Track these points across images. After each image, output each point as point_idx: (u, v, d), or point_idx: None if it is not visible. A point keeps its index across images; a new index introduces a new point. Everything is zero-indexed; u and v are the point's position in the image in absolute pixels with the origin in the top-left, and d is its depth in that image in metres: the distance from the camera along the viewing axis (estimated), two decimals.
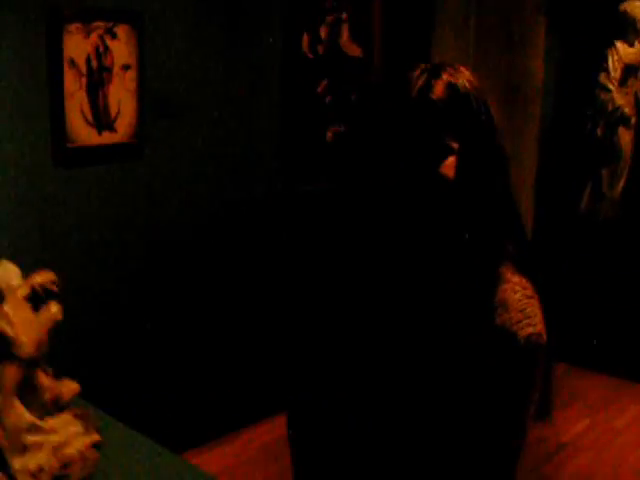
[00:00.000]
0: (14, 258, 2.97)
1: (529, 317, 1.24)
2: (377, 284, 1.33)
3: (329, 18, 4.16)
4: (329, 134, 4.28)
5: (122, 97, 3.31)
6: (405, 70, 1.29)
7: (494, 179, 1.29)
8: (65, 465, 1.08)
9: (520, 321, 1.23)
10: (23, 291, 1.19)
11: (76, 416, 1.20)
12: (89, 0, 3.14)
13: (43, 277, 1.23)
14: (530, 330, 1.23)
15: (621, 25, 5.74)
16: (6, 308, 1.04)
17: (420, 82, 1.24)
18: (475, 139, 1.25)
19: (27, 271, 3.04)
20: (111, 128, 3.31)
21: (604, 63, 5.78)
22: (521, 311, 1.24)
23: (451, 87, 1.25)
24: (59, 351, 1.28)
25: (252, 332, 3.89)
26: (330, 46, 4.20)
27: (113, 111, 3.30)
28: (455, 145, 1.23)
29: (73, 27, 3.08)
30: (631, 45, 5.80)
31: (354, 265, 1.37)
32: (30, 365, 1.10)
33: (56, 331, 1.35)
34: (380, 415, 1.32)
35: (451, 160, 1.22)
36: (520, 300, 1.25)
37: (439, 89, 1.24)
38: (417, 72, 1.27)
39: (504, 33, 5.17)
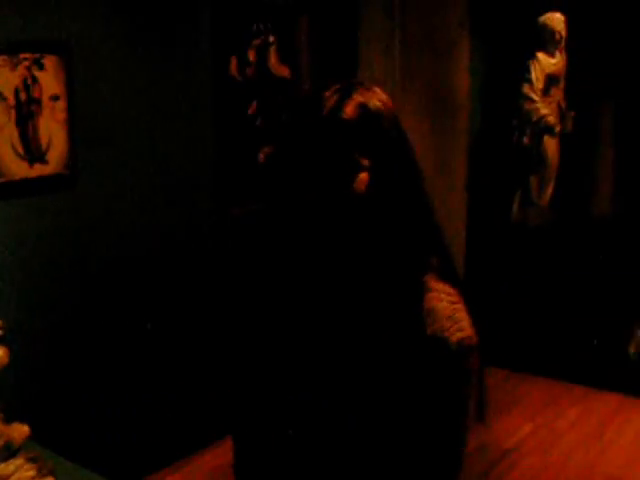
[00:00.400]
0: None
1: (457, 322, 1.28)
2: (301, 299, 1.37)
3: (256, 41, 4.19)
4: (261, 155, 4.30)
5: (52, 128, 3.28)
6: (320, 90, 1.33)
7: (408, 193, 1.33)
8: None
9: (450, 327, 1.27)
10: None
11: (29, 460, 1.19)
12: (15, 32, 3.10)
13: None
14: (460, 335, 1.27)
15: (541, 37, 5.89)
16: None
17: (331, 102, 1.29)
18: (386, 156, 1.30)
19: None
20: (42, 160, 3.27)
21: (527, 74, 5.93)
22: (449, 318, 1.28)
23: (361, 107, 1.29)
24: (6, 394, 1.27)
25: (196, 358, 3.87)
26: (259, 68, 4.22)
27: (44, 142, 3.27)
28: (365, 162, 1.28)
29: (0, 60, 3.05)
30: (552, 56, 5.96)
31: (280, 281, 1.41)
32: None
33: (2, 375, 1.34)
34: (308, 431, 1.35)
35: (363, 176, 1.27)
36: (447, 307, 1.29)
37: (349, 109, 1.28)
38: (330, 92, 1.31)
39: (429, 48, 5.27)
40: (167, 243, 3.74)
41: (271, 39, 4.27)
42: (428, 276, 1.31)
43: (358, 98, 1.30)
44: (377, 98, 1.33)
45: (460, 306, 1.31)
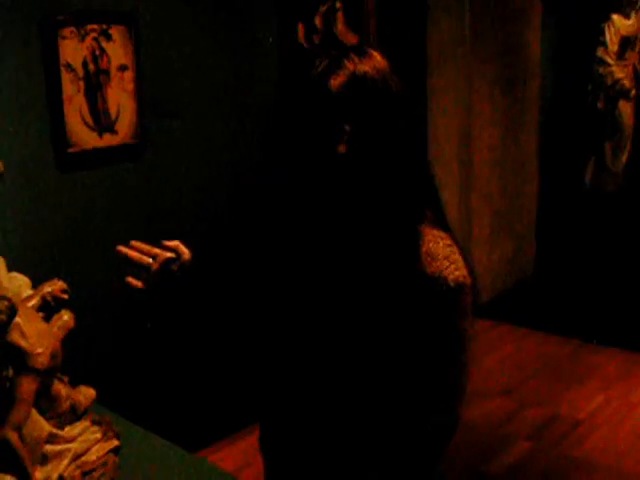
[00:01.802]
0: (19, 265, 3.00)
1: (454, 262, 1.36)
2: (303, 257, 1.45)
3: (323, 7, 4.14)
4: None
5: (121, 98, 3.31)
6: (314, 56, 1.35)
7: (397, 152, 1.35)
8: (86, 473, 1.08)
9: (448, 267, 1.35)
10: (34, 302, 1.19)
11: (94, 423, 1.20)
12: (82, 3, 3.12)
13: (53, 286, 1.23)
14: (457, 273, 1.35)
15: None
16: (18, 320, 1.04)
17: (319, 69, 1.31)
18: (373, 119, 1.32)
19: (33, 278, 3.05)
20: (112, 130, 3.30)
21: (601, 37, 5.77)
22: (446, 258, 1.36)
23: (350, 76, 1.31)
24: (73, 358, 1.29)
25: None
26: (326, 35, 4.18)
27: (113, 113, 3.30)
28: (348, 127, 1.30)
29: (67, 31, 3.07)
30: (627, 17, 5.78)
31: (284, 243, 1.50)
32: (46, 375, 1.10)
33: (69, 338, 1.36)
34: (310, 376, 1.43)
35: (345, 140, 1.30)
36: (443, 249, 1.37)
37: (336, 77, 1.30)
38: (320, 59, 1.33)
39: (499, 12, 5.16)
40: (234, 214, 3.75)
41: (338, 5, 4.22)
42: (425, 225, 1.40)
43: (347, 66, 1.31)
44: (369, 64, 1.33)
45: (455, 248, 1.39)
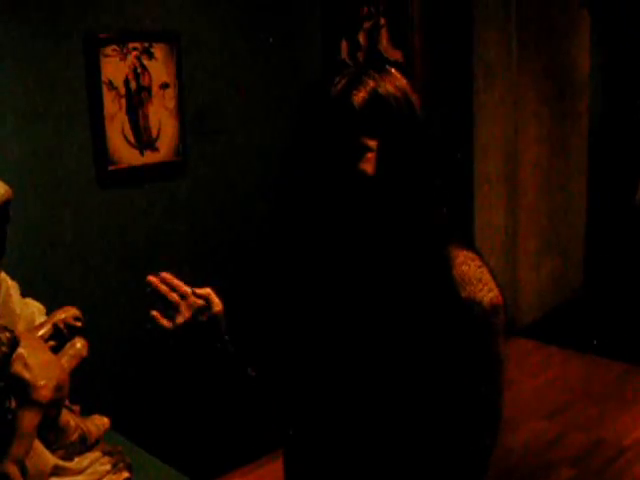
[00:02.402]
0: (60, 282, 3.02)
1: (486, 284, 1.34)
2: (329, 285, 1.42)
3: (367, 24, 4.13)
4: None
5: (162, 116, 3.32)
6: (334, 73, 1.33)
7: (420, 173, 1.34)
8: None
9: (482, 289, 1.33)
10: (45, 330, 1.18)
11: (105, 453, 1.19)
12: (124, 22, 3.15)
13: (66, 313, 1.21)
14: (491, 295, 1.34)
15: None
16: (22, 351, 1.02)
17: (341, 86, 1.29)
18: (394, 138, 1.31)
19: (73, 294, 3.07)
20: (153, 147, 3.32)
21: None
22: (479, 280, 1.34)
23: (371, 92, 1.29)
24: (89, 386, 1.28)
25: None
26: (370, 52, 4.16)
27: (154, 130, 3.31)
28: (372, 143, 1.28)
29: (109, 50, 3.10)
30: None
31: (313, 268, 1.47)
32: (52, 407, 1.09)
33: (88, 365, 1.35)
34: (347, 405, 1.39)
35: (369, 156, 1.28)
36: (475, 271, 1.35)
37: (358, 94, 1.28)
38: (341, 75, 1.31)
39: (546, 27, 5.09)
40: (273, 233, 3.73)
41: (382, 21, 4.19)
42: (453, 246, 1.37)
43: (369, 83, 1.29)
44: (390, 82, 1.32)
45: (485, 269, 1.37)
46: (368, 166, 1.28)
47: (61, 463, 1.08)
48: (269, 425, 1.62)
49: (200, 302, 1.41)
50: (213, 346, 1.40)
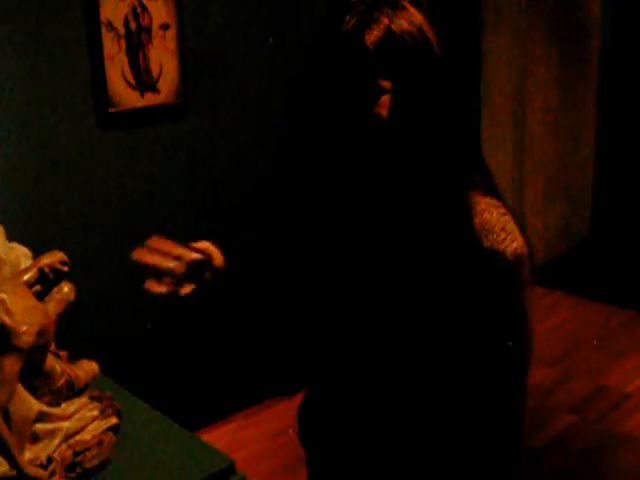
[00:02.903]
0: (60, 223, 3.00)
1: (510, 233, 1.28)
2: (348, 235, 1.36)
3: None
4: None
5: (163, 57, 3.26)
6: (345, 10, 1.22)
7: (439, 114, 1.26)
8: (79, 452, 1.05)
9: (505, 239, 1.26)
10: (30, 274, 1.16)
11: (93, 399, 1.17)
12: None
13: (52, 258, 1.19)
14: (515, 245, 1.27)
15: None
16: (3, 296, 1.00)
17: (351, 24, 1.20)
18: (411, 77, 1.22)
19: (74, 236, 3.05)
20: (154, 89, 3.27)
21: None
22: (502, 229, 1.27)
23: (385, 30, 1.20)
24: (80, 330, 1.26)
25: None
26: None
27: (155, 72, 3.26)
28: (387, 84, 1.20)
29: None
30: None
31: (327, 219, 1.40)
32: (37, 352, 1.07)
33: (80, 309, 1.33)
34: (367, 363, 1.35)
35: (384, 99, 1.20)
36: (498, 219, 1.28)
37: (371, 33, 1.19)
38: (352, 14, 1.21)
39: None
40: (277, 173, 3.70)
41: None
42: (474, 192, 1.30)
43: (382, 20, 1.20)
44: (404, 17, 1.22)
45: (509, 217, 1.30)
46: (383, 109, 1.20)
47: (46, 409, 1.07)
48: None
49: (196, 255, 1.35)
50: (222, 300, 1.36)
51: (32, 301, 1.10)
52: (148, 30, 3.21)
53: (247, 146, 3.60)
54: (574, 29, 5.18)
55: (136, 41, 3.18)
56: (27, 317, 1.05)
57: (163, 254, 1.34)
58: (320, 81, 1.23)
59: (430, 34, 1.25)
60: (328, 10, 1.27)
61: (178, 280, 1.32)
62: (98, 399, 1.19)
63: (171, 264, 1.32)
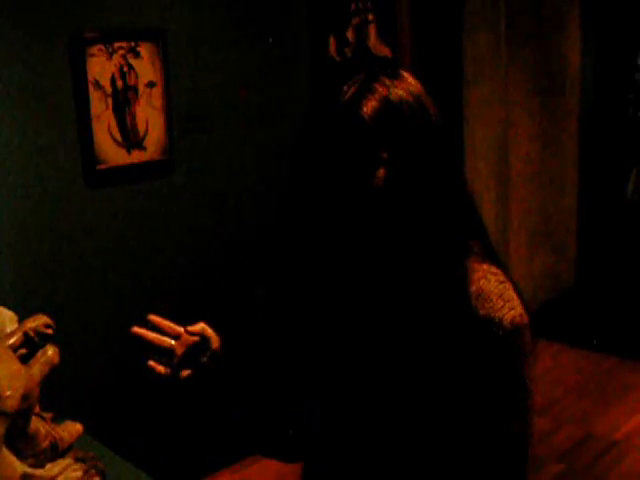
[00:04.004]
0: (46, 282, 3.01)
1: (508, 301, 1.24)
2: (343, 302, 1.34)
3: (355, 20, 4.12)
4: None
5: (149, 115, 3.32)
6: (344, 79, 1.24)
7: (436, 180, 1.25)
8: None
9: (502, 307, 1.23)
10: (15, 338, 1.18)
11: (77, 460, 1.19)
12: (110, 21, 3.15)
13: (36, 321, 1.22)
14: (513, 313, 1.23)
15: None
16: None
17: (349, 95, 1.21)
18: (408, 146, 1.22)
19: (61, 296, 3.05)
20: (140, 146, 3.32)
21: None
22: (500, 297, 1.24)
23: (382, 100, 1.21)
24: (65, 392, 1.28)
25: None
26: (358, 48, 4.15)
27: (141, 129, 3.31)
28: (385, 155, 1.20)
29: (95, 49, 3.10)
30: None
31: (325, 283, 1.38)
32: (21, 415, 1.09)
33: (68, 370, 1.35)
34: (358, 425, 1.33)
35: (382, 170, 1.20)
36: (495, 287, 1.25)
37: (368, 104, 1.20)
38: (350, 84, 1.22)
39: (536, 22, 5.08)
40: (263, 230, 3.74)
41: (370, 17, 4.19)
42: (471, 259, 1.28)
43: (379, 91, 1.21)
44: (402, 87, 1.23)
45: (508, 285, 1.27)
46: (381, 176, 1.20)
47: (30, 470, 1.09)
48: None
49: (193, 339, 1.35)
50: (219, 384, 1.36)
51: (16, 365, 1.12)
52: (135, 88, 3.27)
53: (233, 203, 3.64)
54: (555, 81, 5.28)
55: (123, 99, 3.24)
56: (11, 381, 1.07)
57: (163, 332, 1.34)
58: (319, 151, 1.23)
59: (428, 103, 1.26)
60: (328, 79, 1.30)
61: (177, 359, 1.33)
62: (82, 460, 1.20)
63: (172, 342, 1.33)
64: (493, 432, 1.24)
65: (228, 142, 3.59)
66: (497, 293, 1.24)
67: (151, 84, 3.31)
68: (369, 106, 1.20)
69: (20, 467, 1.09)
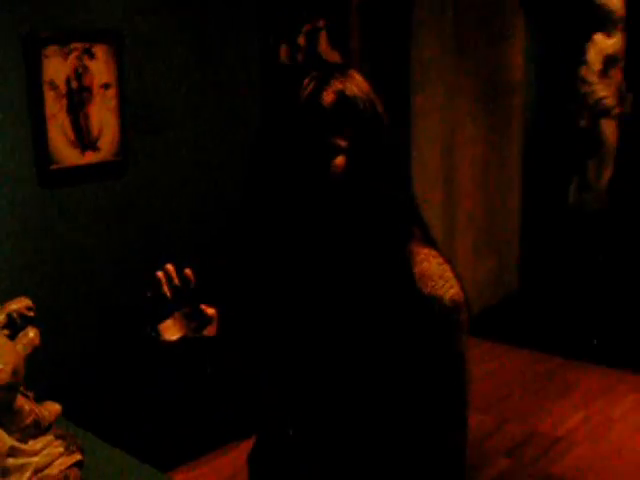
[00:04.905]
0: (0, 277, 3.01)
1: (448, 280, 1.37)
2: (297, 285, 1.46)
3: (306, 26, 4.19)
4: None
5: (104, 116, 3.34)
6: (300, 77, 1.37)
7: (384, 171, 1.39)
8: None
9: (443, 285, 1.36)
10: None
11: (58, 437, 1.23)
12: (66, 21, 3.16)
13: (19, 304, 1.25)
14: (452, 291, 1.37)
15: (599, 17, 5.78)
16: None
17: (310, 88, 1.33)
18: (362, 138, 1.35)
19: (18, 290, 3.06)
20: (94, 147, 3.33)
21: (583, 56, 5.83)
22: (440, 277, 1.37)
23: (338, 93, 1.33)
24: (41, 374, 1.31)
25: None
26: (309, 54, 4.22)
27: (95, 130, 3.33)
28: (343, 144, 1.33)
29: (51, 50, 3.11)
30: (610, 36, 5.85)
31: (278, 267, 1.50)
32: (9, 390, 1.13)
33: (39, 353, 1.38)
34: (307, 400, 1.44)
35: (340, 159, 1.32)
36: (436, 268, 1.38)
37: (327, 95, 1.32)
38: (309, 79, 1.35)
39: (483, 30, 5.21)
40: (213, 229, 3.77)
41: (321, 24, 4.26)
42: (414, 244, 1.40)
43: (336, 85, 1.34)
44: (354, 84, 1.36)
45: (447, 266, 1.40)
46: (339, 165, 1.32)
47: (17, 444, 1.12)
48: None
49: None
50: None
51: (5, 342, 1.16)
52: (89, 89, 3.28)
53: (186, 203, 3.67)
54: (499, 87, 5.42)
55: (78, 100, 3.25)
56: (2, 357, 1.11)
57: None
58: (281, 138, 1.34)
59: (377, 102, 1.39)
60: (286, 77, 1.40)
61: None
62: (62, 437, 1.24)
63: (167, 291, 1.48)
64: (436, 393, 1.36)
65: (181, 143, 3.63)
66: (438, 274, 1.37)
67: (106, 85, 3.33)
68: (328, 97, 1.32)
69: (9, 440, 1.12)
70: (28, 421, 1.14)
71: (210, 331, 1.50)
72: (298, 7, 4.15)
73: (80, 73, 3.25)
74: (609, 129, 6.09)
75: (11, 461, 1.07)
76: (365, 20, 4.52)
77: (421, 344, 1.35)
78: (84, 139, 3.30)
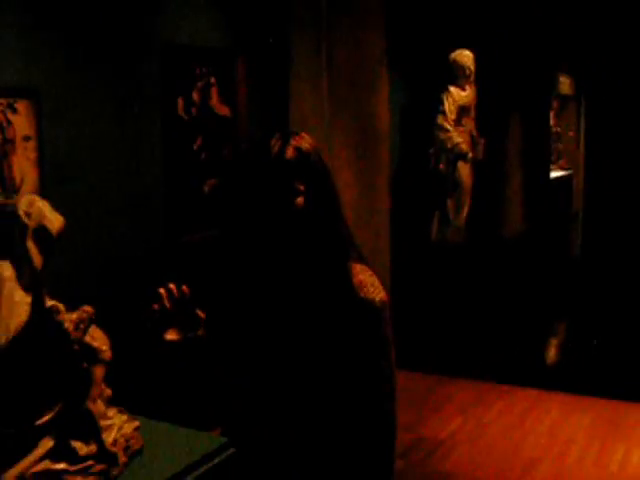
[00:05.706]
0: None
1: (377, 288, 1.86)
2: (263, 296, 1.91)
3: (200, 83, 4.59)
4: (205, 187, 4.69)
5: (25, 166, 3.60)
6: (266, 138, 1.84)
7: (330, 206, 1.87)
8: (127, 440, 1.46)
9: (374, 291, 1.84)
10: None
11: (119, 411, 1.56)
12: None
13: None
14: (381, 295, 1.85)
15: (452, 72, 6.48)
16: (91, 330, 1.46)
17: (276, 147, 1.80)
18: (315, 181, 1.82)
19: None
20: (17, 195, 3.59)
21: (440, 106, 6.50)
22: (372, 285, 1.85)
23: (297, 149, 1.81)
24: None
25: None
26: (202, 108, 4.62)
27: (18, 179, 3.58)
28: (302, 187, 1.79)
29: None
30: (463, 89, 6.55)
31: (245, 287, 1.94)
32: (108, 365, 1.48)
33: None
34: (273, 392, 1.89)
35: (300, 199, 1.80)
36: (369, 278, 1.86)
37: (289, 151, 1.80)
38: (274, 140, 1.82)
39: (354, 83, 5.68)
40: (125, 268, 4.06)
41: (212, 80, 4.67)
42: (351, 261, 1.88)
43: (294, 143, 1.82)
44: (306, 141, 1.85)
45: (375, 278, 1.88)
46: (299, 202, 1.78)
47: (104, 409, 1.45)
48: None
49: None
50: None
51: (99, 330, 1.52)
52: (12, 142, 3.55)
53: (103, 250, 3.95)
54: (369, 137, 5.94)
55: (1, 152, 3.51)
56: (103, 340, 1.48)
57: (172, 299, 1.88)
58: (256, 182, 1.81)
59: (322, 153, 1.89)
60: (256, 139, 1.88)
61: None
62: (120, 411, 1.57)
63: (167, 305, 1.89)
64: (372, 364, 1.83)
65: (96, 192, 3.91)
66: (370, 282, 1.86)
67: (27, 138, 3.60)
68: (289, 152, 1.81)
69: (102, 406, 1.44)
70: (107, 393, 1.48)
71: (203, 332, 1.89)
72: (193, 65, 4.54)
73: (4, 126, 3.51)
74: (464, 171, 6.78)
75: (103, 422, 1.42)
76: (250, 78, 4.95)
77: (359, 332, 1.82)
78: (7, 188, 3.52)
